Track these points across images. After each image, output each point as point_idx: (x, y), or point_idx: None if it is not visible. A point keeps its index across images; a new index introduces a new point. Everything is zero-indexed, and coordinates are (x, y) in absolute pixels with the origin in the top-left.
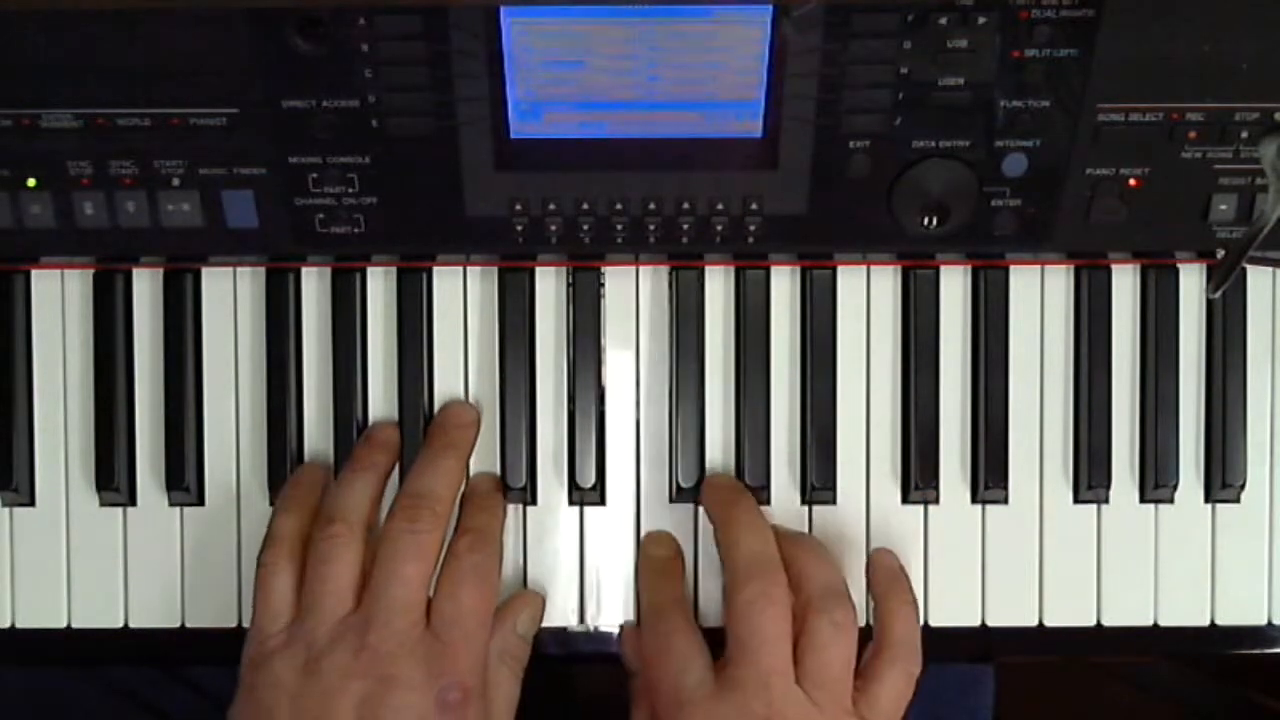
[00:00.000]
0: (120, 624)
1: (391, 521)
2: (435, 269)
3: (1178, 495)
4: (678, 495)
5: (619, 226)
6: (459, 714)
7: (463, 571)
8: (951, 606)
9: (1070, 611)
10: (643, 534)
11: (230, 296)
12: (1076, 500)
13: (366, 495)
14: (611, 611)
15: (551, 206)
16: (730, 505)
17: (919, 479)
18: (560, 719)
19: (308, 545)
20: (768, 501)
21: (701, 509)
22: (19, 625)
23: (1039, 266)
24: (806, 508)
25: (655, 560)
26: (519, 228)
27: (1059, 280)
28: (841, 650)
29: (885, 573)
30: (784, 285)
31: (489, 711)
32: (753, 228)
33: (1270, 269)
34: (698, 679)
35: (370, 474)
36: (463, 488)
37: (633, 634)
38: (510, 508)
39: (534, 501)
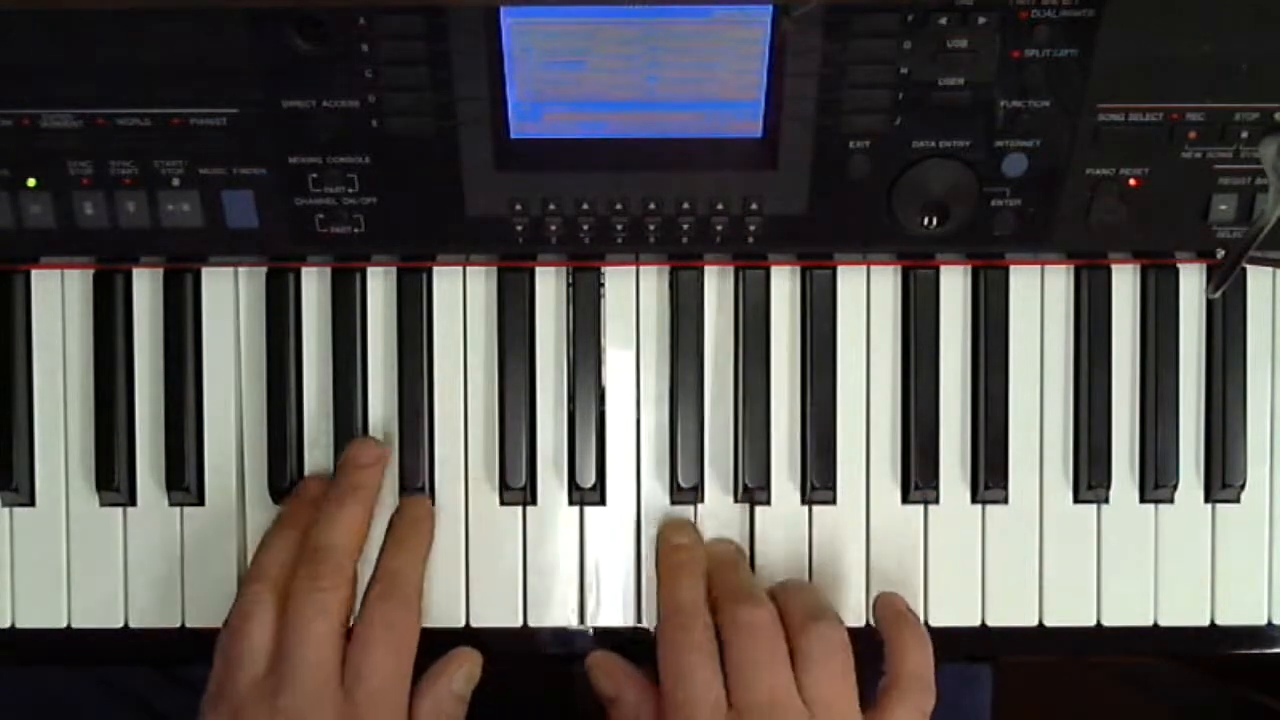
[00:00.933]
0: (120, 624)
1: (296, 578)
2: (435, 269)
3: (1178, 495)
4: (678, 495)
5: (619, 226)
6: None
7: (373, 628)
8: (951, 606)
9: (1070, 611)
10: (645, 537)
11: (230, 296)
12: (1076, 500)
13: (285, 551)
14: (611, 611)
15: (551, 206)
16: (714, 561)
17: (919, 479)
18: (560, 719)
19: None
20: (767, 501)
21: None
22: (19, 625)
23: (1039, 266)
24: (806, 508)
25: (674, 552)
26: (519, 228)
27: (1059, 280)
28: (835, 664)
29: (892, 611)
30: (784, 285)
31: None
32: (753, 228)
33: (1270, 269)
34: (712, 705)
35: (292, 530)
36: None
37: (607, 663)
38: (510, 508)
39: (534, 501)
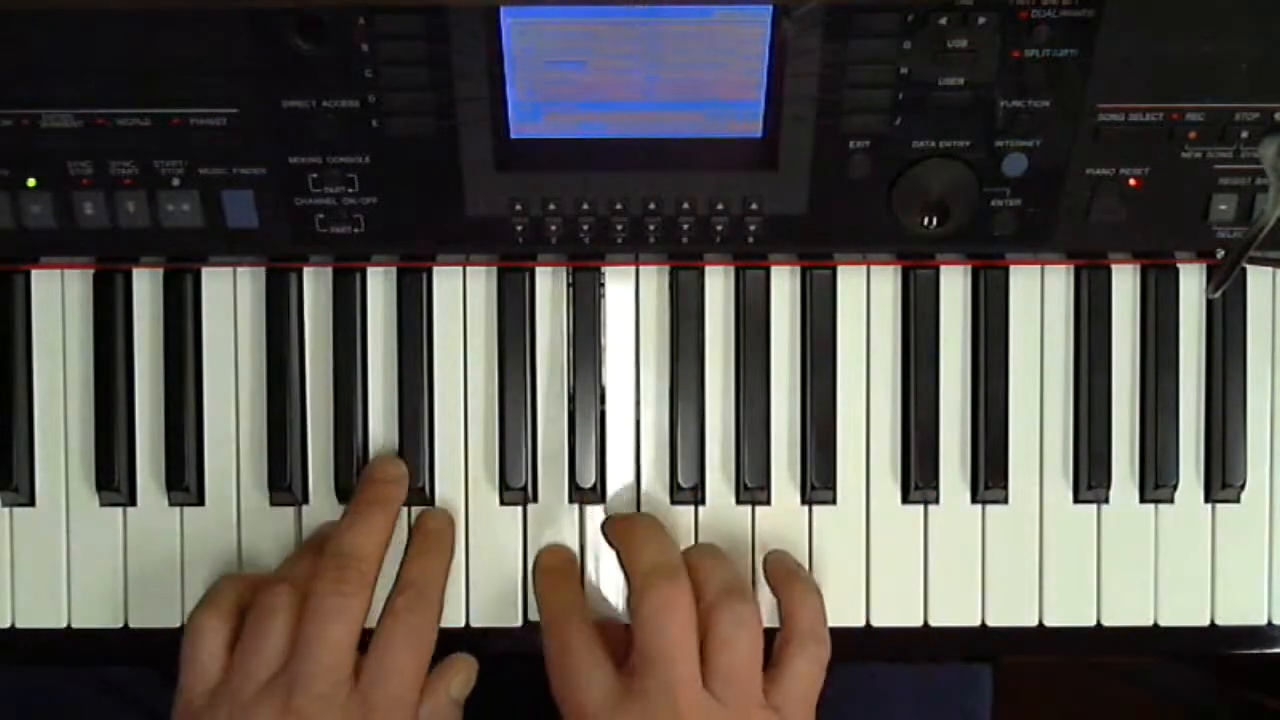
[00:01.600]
0: (120, 624)
1: (318, 581)
2: (435, 269)
3: (1178, 495)
4: (678, 495)
5: (619, 226)
6: None
7: (397, 633)
8: (951, 606)
9: (1070, 611)
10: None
11: (230, 296)
12: (1076, 500)
13: (306, 560)
14: (611, 612)
15: (551, 206)
16: (628, 522)
17: (919, 479)
18: (559, 718)
19: (243, 608)
20: (767, 501)
21: (607, 540)
22: (19, 625)
23: (1039, 266)
24: (806, 508)
25: (547, 565)
26: (519, 228)
27: (1059, 280)
28: (745, 645)
29: (780, 568)
30: (784, 285)
31: None
32: (753, 228)
33: (1270, 269)
34: (602, 692)
35: (306, 553)
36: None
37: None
38: (510, 508)
39: (534, 501)
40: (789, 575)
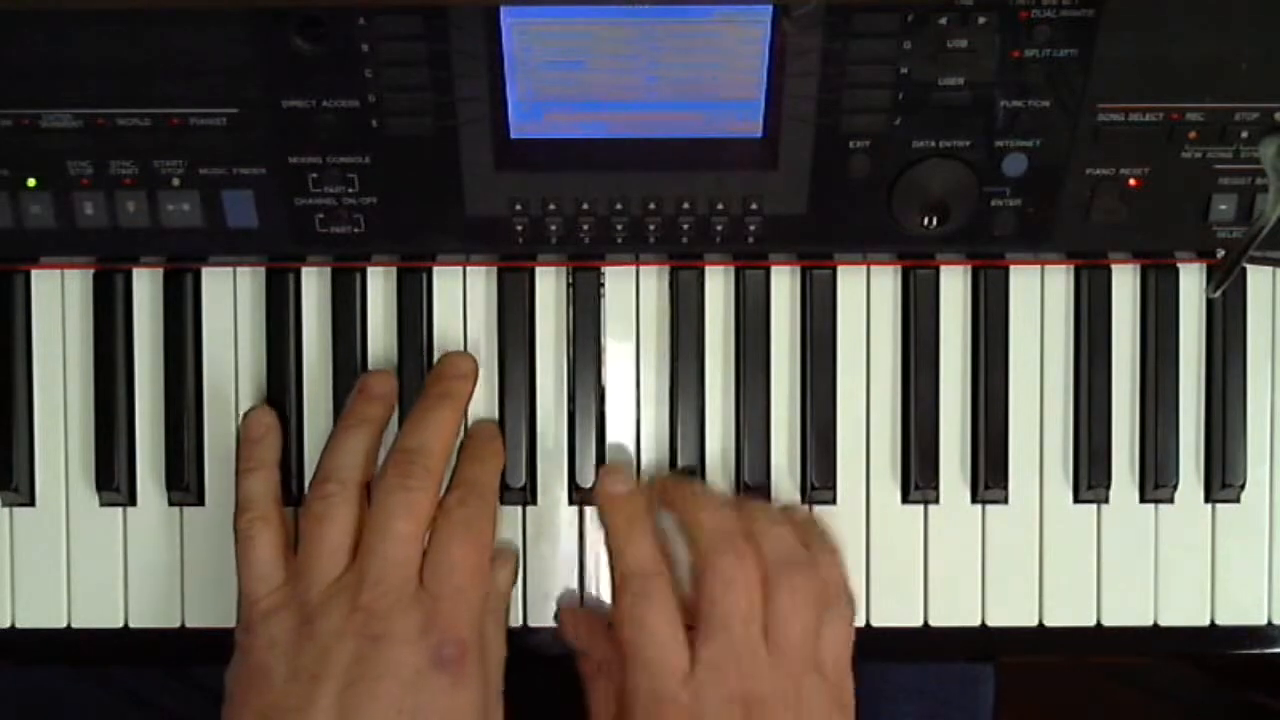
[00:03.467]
0: (120, 624)
1: (384, 478)
2: (435, 269)
3: (1178, 495)
4: None
5: (619, 226)
6: (456, 670)
7: (453, 526)
8: (951, 606)
9: (1070, 611)
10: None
11: (230, 296)
12: (1076, 500)
13: (361, 451)
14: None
15: (551, 206)
16: (681, 487)
17: (919, 479)
18: (560, 719)
19: (279, 500)
20: (767, 501)
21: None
22: (19, 625)
23: (1039, 266)
24: (806, 507)
25: (620, 503)
26: (519, 228)
27: (1059, 280)
28: (802, 615)
29: (804, 523)
30: (784, 285)
31: (484, 664)
32: (753, 228)
33: (1270, 269)
34: (676, 663)
35: (364, 428)
36: (460, 438)
37: (574, 616)
38: (510, 508)
39: (534, 501)
40: (812, 538)
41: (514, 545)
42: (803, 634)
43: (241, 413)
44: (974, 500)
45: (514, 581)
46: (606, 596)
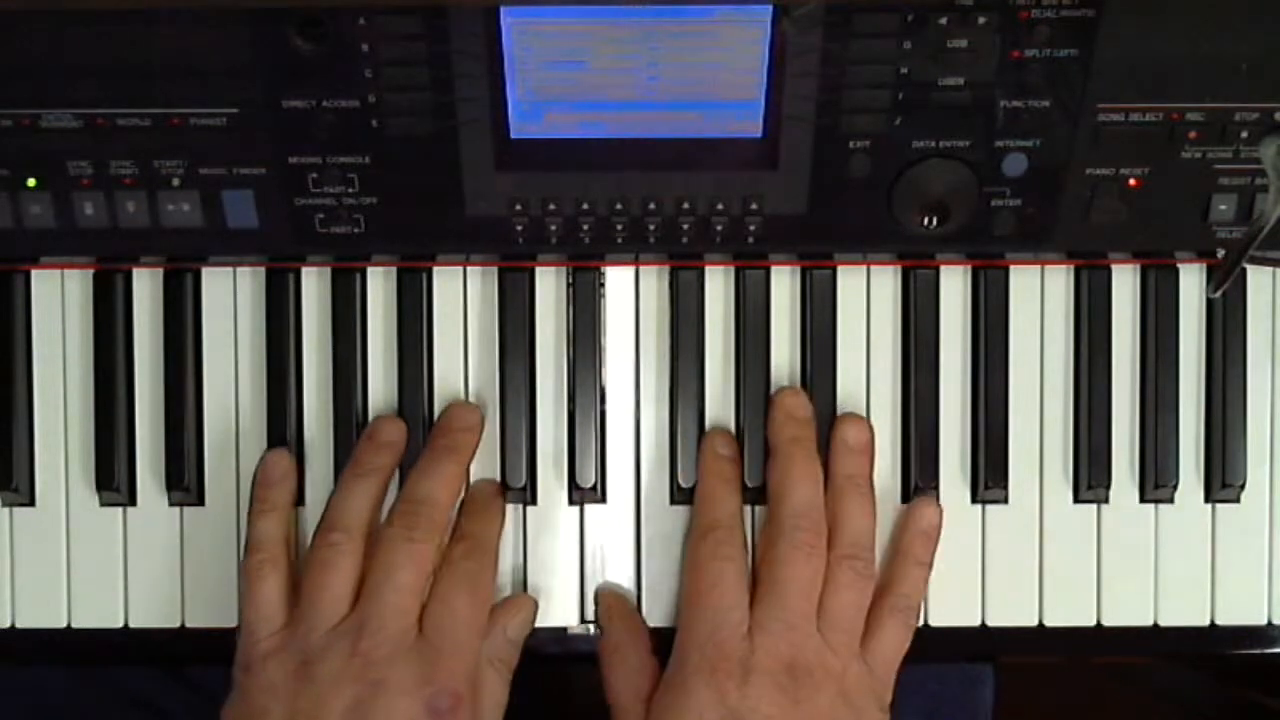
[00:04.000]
0: (120, 624)
1: (389, 527)
2: (435, 269)
3: (1178, 495)
4: (678, 495)
5: (619, 226)
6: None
7: (456, 579)
8: (951, 606)
9: (1070, 611)
10: (645, 537)
11: (230, 296)
12: (1076, 500)
13: (368, 501)
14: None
15: (551, 206)
16: (793, 442)
17: (919, 479)
18: (559, 719)
19: (289, 544)
20: (767, 501)
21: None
22: (19, 625)
23: (1039, 266)
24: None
25: (719, 464)
26: (519, 228)
27: (1059, 280)
28: (857, 598)
29: (921, 533)
30: (784, 285)
31: (477, 716)
32: (753, 228)
33: (1270, 269)
34: (738, 619)
35: (371, 478)
36: (463, 493)
37: (607, 596)
38: (510, 508)
39: (534, 501)
40: (919, 542)
41: (531, 598)
42: (854, 619)
43: (242, 412)
44: (974, 500)
45: (528, 630)
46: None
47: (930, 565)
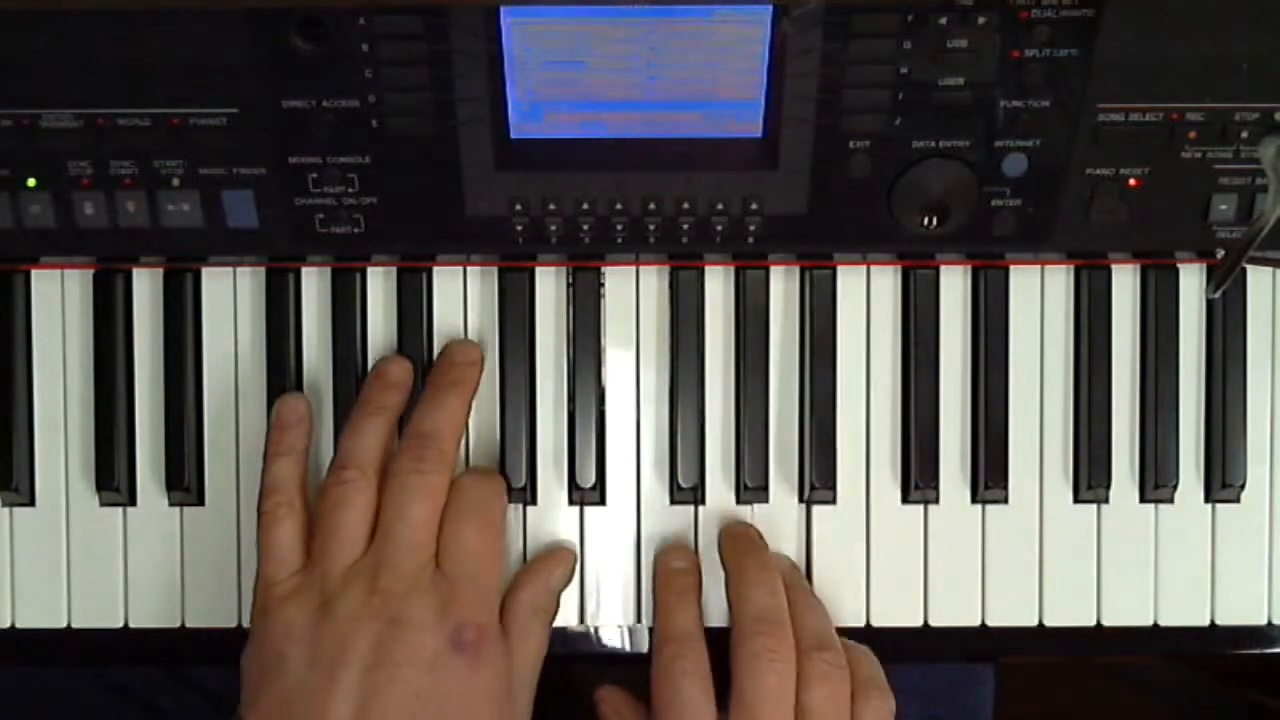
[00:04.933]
0: (120, 624)
1: (398, 462)
2: (435, 269)
3: (1178, 495)
4: (678, 495)
5: (619, 226)
6: (474, 653)
7: (465, 510)
8: (951, 606)
9: (1070, 611)
10: (645, 537)
11: (230, 296)
12: (1076, 500)
13: (378, 439)
14: (611, 611)
15: (551, 206)
16: (743, 555)
17: (919, 479)
18: (560, 719)
19: (304, 488)
20: (766, 501)
21: (718, 548)
22: (19, 625)
23: (1039, 266)
24: (806, 508)
25: (673, 577)
26: (519, 228)
27: (1059, 280)
28: (835, 688)
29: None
30: (784, 285)
31: (518, 658)
32: (753, 228)
33: (1270, 269)
34: None
35: (381, 416)
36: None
37: (612, 694)
38: (510, 508)
39: (534, 501)
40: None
41: (573, 547)
42: (837, 711)
43: (242, 412)
44: (974, 500)
45: (568, 582)
46: (606, 595)
47: (865, 648)
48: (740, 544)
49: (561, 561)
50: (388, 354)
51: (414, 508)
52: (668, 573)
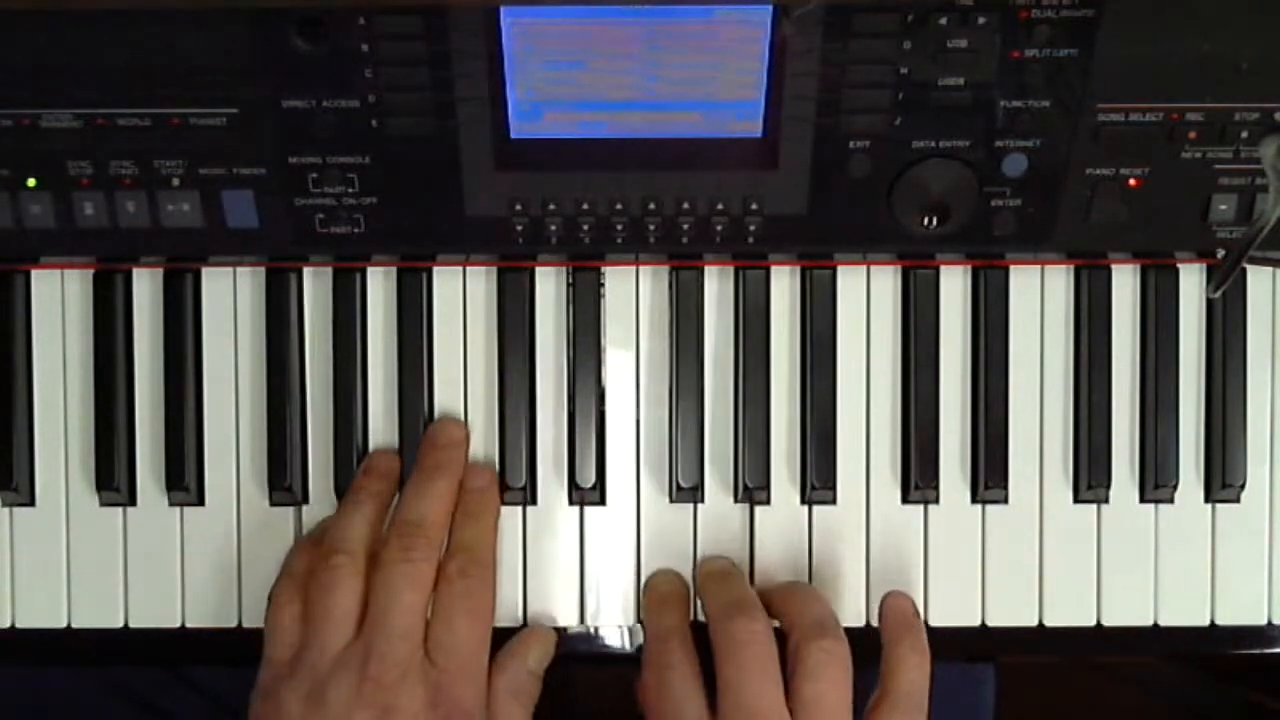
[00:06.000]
0: (120, 624)
1: (387, 551)
2: (435, 269)
3: (1178, 495)
4: (677, 495)
5: (619, 226)
6: None
7: (454, 598)
8: (951, 606)
9: (1070, 611)
10: (644, 537)
11: (230, 296)
12: (1076, 500)
13: (366, 524)
14: (611, 611)
15: (551, 206)
16: (709, 576)
17: (919, 479)
18: (560, 719)
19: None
20: (767, 501)
21: (697, 587)
22: (19, 625)
23: (1039, 266)
24: (806, 508)
25: (659, 591)
26: (519, 228)
27: (1059, 280)
28: (833, 678)
29: (898, 617)
30: (784, 285)
31: None
32: (753, 228)
33: (1270, 269)
34: (694, 716)
35: (370, 503)
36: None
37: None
38: (510, 508)
39: (534, 501)
40: (903, 628)
41: (550, 630)
42: (837, 706)
43: (241, 413)
44: (974, 500)
45: (547, 662)
46: (606, 595)
47: (925, 652)
48: (709, 568)
49: (540, 641)
50: (378, 449)
51: (404, 595)
52: (654, 589)
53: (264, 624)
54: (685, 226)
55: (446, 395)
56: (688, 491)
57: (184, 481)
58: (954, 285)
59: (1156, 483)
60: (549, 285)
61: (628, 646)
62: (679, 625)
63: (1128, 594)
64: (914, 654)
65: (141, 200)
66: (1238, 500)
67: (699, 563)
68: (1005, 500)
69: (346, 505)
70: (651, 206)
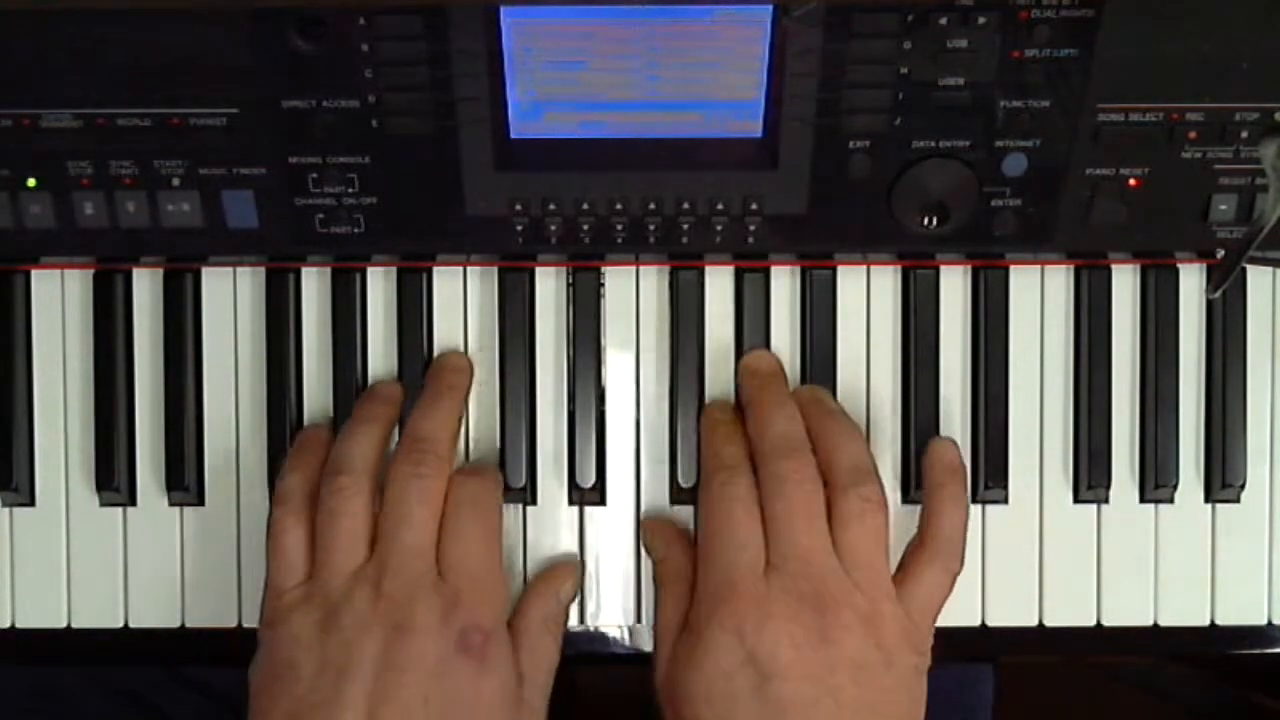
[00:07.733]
0: (120, 624)
1: (395, 467)
2: (435, 269)
3: (1178, 495)
4: (678, 495)
5: (619, 226)
6: (481, 657)
7: (463, 514)
8: (951, 606)
9: (1070, 611)
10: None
11: (230, 296)
12: (1076, 500)
13: (371, 445)
14: (611, 611)
15: (551, 206)
16: (762, 389)
17: (919, 479)
18: (560, 719)
19: (313, 499)
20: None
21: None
22: (19, 625)
23: (1039, 266)
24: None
25: (719, 420)
26: (519, 228)
27: (1059, 280)
28: (871, 526)
29: (943, 467)
30: (784, 285)
31: (531, 670)
32: (753, 228)
33: (1270, 269)
34: (752, 557)
35: (373, 424)
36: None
37: (656, 524)
38: (510, 508)
39: (534, 501)
40: (947, 476)
41: (574, 555)
42: (873, 552)
43: (241, 413)
44: (974, 500)
45: (575, 594)
46: (606, 596)
47: (964, 503)
48: (760, 378)
49: (570, 573)
50: (379, 379)
51: (414, 511)
52: (713, 421)
53: (267, 550)
54: (685, 226)
55: None
56: (688, 492)
57: (184, 481)
58: (954, 285)
59: (1156, 483)
60: (549, 285)
61: (627, 646)
62: (743, 457)
63: (1128, 594)
64: (953, 503)
65: (141, 200)
66: (1238, 500)
67: (744, 358)
68: (1005, 500)
69: (349, 426)
70: (651, 206)
